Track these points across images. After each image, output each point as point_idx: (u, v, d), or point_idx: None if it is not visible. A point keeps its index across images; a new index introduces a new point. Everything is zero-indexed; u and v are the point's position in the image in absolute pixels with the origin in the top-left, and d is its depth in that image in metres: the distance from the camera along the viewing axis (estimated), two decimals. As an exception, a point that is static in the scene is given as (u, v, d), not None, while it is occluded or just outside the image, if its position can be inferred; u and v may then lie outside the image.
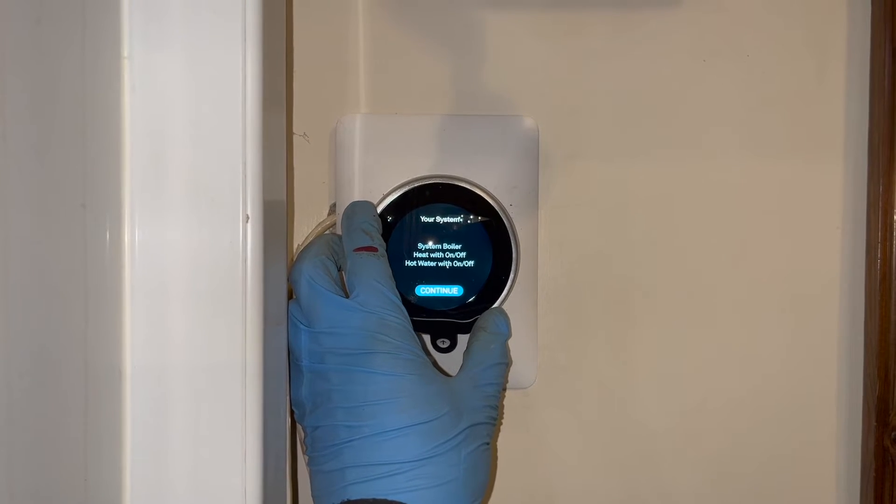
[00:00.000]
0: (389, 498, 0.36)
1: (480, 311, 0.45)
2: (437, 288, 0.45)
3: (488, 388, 0.41)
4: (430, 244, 0.45)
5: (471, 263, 0.45)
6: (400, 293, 0.40)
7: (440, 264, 0.45)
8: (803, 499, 0.49)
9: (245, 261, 0.32)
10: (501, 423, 0.48)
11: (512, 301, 0.46)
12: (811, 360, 0.49)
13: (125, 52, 0.31)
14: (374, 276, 0.39)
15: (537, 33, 0.47)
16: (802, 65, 0.48)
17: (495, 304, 0.45)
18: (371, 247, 0.41)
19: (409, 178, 0.45)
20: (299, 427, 0.41)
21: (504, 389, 0.43)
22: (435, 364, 0.45)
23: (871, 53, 0.47)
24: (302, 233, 0.47)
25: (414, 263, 0.45)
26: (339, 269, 0.41)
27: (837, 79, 0.48)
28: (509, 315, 0.45)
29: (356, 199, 0.45)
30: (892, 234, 0.46)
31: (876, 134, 0.47)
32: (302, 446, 0.42)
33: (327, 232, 0.46)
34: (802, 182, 0.48)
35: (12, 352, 0.25)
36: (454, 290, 0.45)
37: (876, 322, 0.46)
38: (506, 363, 0.43)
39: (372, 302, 0.38)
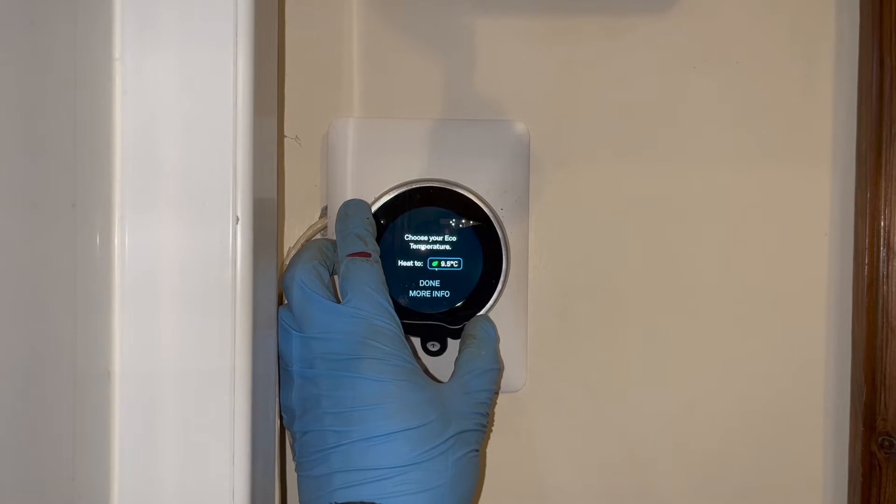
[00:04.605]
0: (376, 502, 0.36)
1: (471, 315, 0.45)
2: (428, 291, 0.45)
3: (480, 395, 0.41)
4: (421, 248, 0.45)
5: (461, 267, 0.45)
6: (391, 297, 0.40)
7: (431, 268, 0.45)
8: (790, 503, 0.49)
9: (235, 262, 0.32)
10: (492, 429, 0.48)
11: (502, 304, 0.46)
12: (799, 366, 0.49)
13: (117, 53, 0.31)
14: (367, 282, 0.39)
15: (529, 39, 0.48)
16: (791, 72, 0.48)
17: (486, 307, 0.46)
18: (365, 252, 0.41)
19: (401, 182, 0.46)
20: (288, 432, 0.41)
21: (496, 394, 0.43)
22: (426, 371, 0.45)
23: (860, 61, 0.48)
24: (293, 236, 0.47)
25: (404, 267, 0.45)
26: (332, 275, 0.41)
27: (826, 86, 0.48)
28: (500, 318, 0.45)
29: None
30: (879, 240, 0.46)
31: (864, 141, 0.47)
32: (291, 452, 0.42)
33: (319, 236, 0.46)
34: (790, 188, 0.48)
35: (0, 353, 0.25)
36: (444, 294, 0.45)
37: (863, 327, 0.47)
38: (497, 368, 0.43)
39: (364, 307, 0.38)
